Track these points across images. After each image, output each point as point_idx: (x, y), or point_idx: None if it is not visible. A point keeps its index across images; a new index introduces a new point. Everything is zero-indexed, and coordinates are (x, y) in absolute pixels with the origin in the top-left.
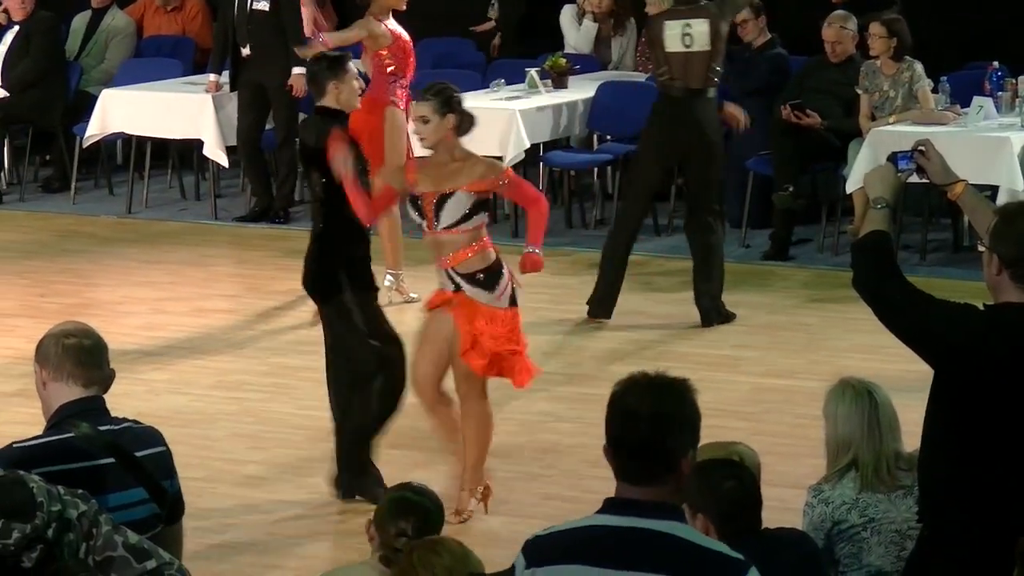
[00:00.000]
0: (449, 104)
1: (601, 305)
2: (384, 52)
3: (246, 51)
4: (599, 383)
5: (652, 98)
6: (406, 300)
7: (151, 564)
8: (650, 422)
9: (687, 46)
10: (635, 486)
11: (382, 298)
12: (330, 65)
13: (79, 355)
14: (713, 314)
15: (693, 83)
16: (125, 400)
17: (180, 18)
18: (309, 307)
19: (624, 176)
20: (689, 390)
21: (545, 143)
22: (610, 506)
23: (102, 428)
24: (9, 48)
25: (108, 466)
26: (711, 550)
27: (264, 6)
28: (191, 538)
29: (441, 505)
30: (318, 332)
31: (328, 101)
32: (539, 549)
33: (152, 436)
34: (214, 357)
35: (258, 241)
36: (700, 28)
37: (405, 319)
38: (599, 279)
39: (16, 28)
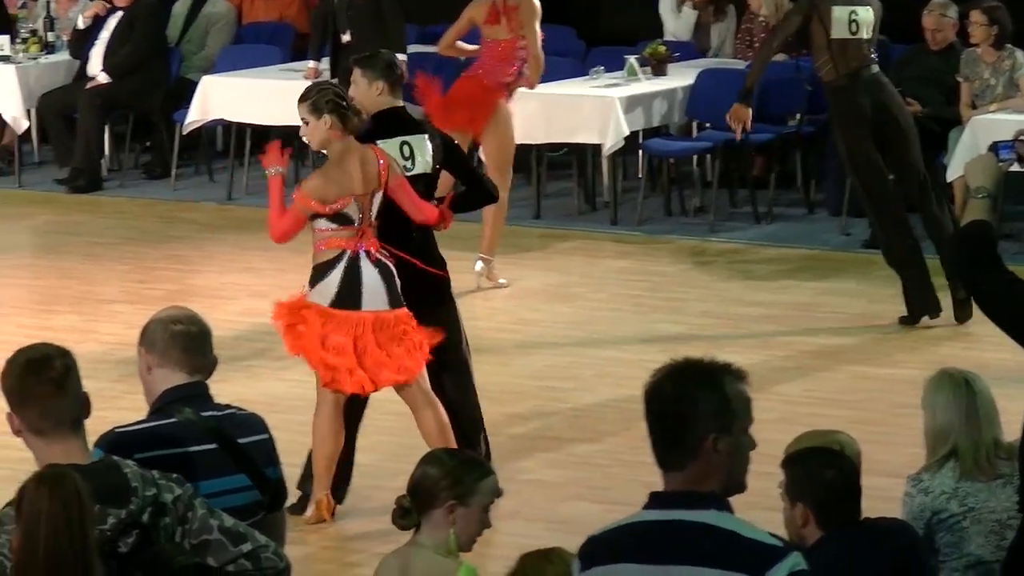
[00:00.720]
0: (315, 108)
1: (925, 303)
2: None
3: (346, 37)
4: None
5: None
6: (495, 286)
7: (247, 547)
8: (665, 405)
9: (852, 33)
10: (667, 473)
11: (471, 282)
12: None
13: (186, 342)
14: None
15: (853, 64)
16: (227, 386)
17: (277, 4)
18: None
19: (724, 164)
20: (723, 375)
21: (644, 130)
22: (654, 501)
23: (205, 414)
24: (112, 34)
25: (210, 452)
26: (749, 538)
27: None
28: (292, 525)
29: (473, 468)
30: None
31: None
32: (591, 551)
33: (255, 423)
34: None
35: None
36: (866, 15)
37: (494, 305)
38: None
39: (120, 14)
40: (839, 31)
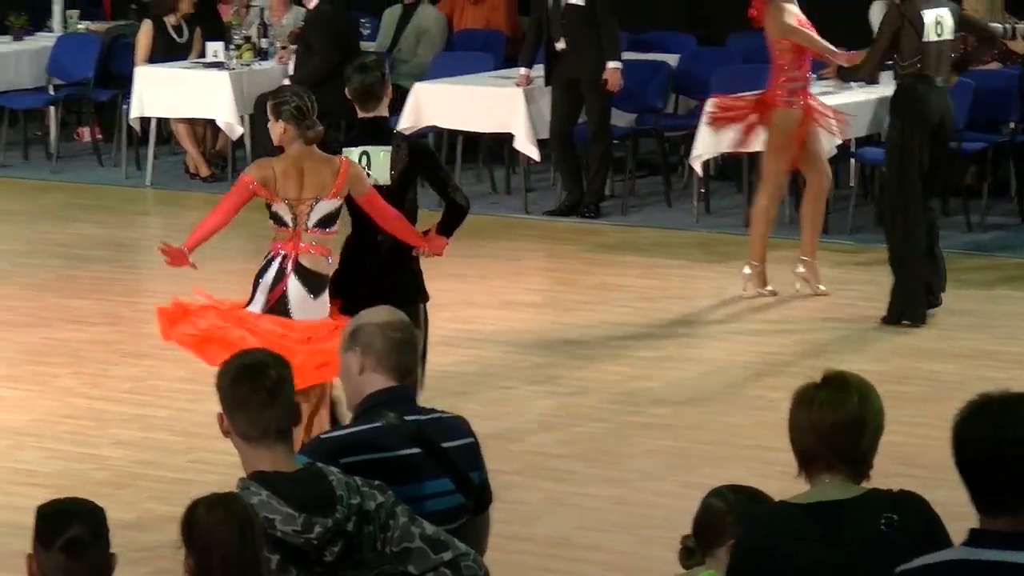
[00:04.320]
0: (276, 111)
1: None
2: (786, 42)
3: (560, 45)
4: (908, 381)
5: (964, 94)
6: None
7: (447, 555)
8: (990, 450)
9: (938, 35)
10: (993, 517)
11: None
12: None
13: (404, 349)
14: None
15: (944, 72)
16: (434, 393)
17: (485, 10)
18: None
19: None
20: None
21: (857, 139)
22: (975, 538)
23: (409, 418)
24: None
25: (414, 456)
26: None
27: (579, 1)
28: (498, 531)
29: (756, 500)
30: (631, 327)
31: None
32: None
33: (459, 426)
34: (523, 351)
35: (568, 235)
36: (949, 20)
37: (704, 316)
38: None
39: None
40: (929, 33)
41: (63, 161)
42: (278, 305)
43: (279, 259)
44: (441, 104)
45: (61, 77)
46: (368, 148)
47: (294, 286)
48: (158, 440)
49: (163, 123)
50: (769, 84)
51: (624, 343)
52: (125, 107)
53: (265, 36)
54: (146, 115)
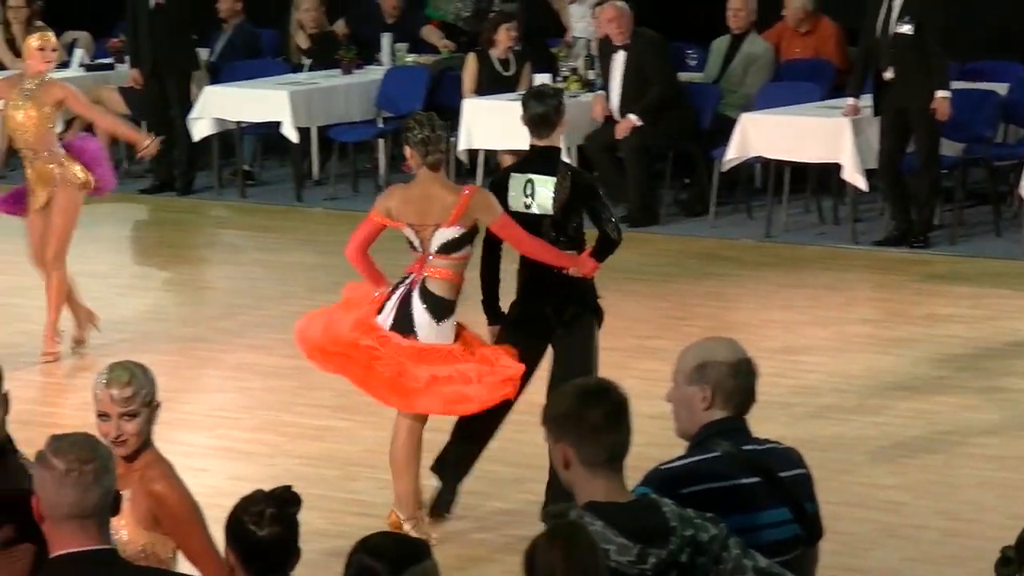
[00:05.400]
0: (405, 138)
1: None
2: None
3: (888, 74)
4: None
5: None
6: None
7: None
8: None
9: None
10: None
11: None
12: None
13: (751, 389)
14: None
15: None
16: (764, 424)
17: (814, 40)
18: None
19: None
20: None
21: None
22: None
23: (746, 448)
24: (624, 74)
25: (754, 485)
26: None
27: (908, 29)
28: (828, 562)
29: None
30: (961, 357)
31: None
32: None
33: (794, 457)
34: (852, 381)
35: (897, 265)
36: None
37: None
38: None
39: (623, 53)
40: None
41: None
42: (403, 324)
43: (408, 280)
44: (768, 134)
45: (390, 110)
46: (534, 176)
47: (419, 310)
48: (488, 471)
49: (491, 155)
50: None
51: (954, 373)
52: (453, 139)
53: (592, 68)
54: (474, 147)
